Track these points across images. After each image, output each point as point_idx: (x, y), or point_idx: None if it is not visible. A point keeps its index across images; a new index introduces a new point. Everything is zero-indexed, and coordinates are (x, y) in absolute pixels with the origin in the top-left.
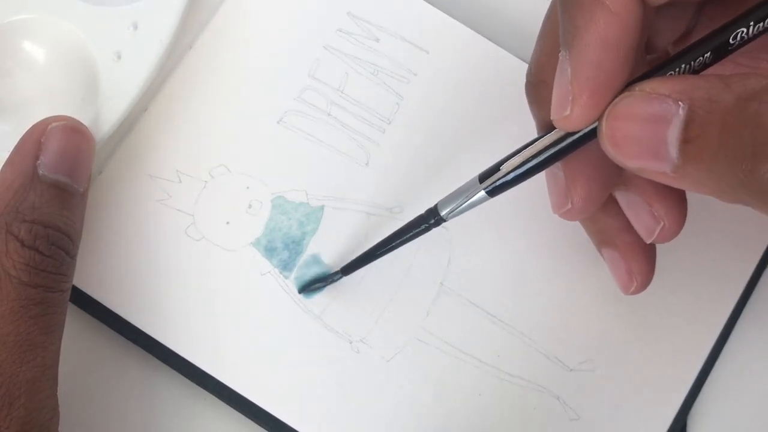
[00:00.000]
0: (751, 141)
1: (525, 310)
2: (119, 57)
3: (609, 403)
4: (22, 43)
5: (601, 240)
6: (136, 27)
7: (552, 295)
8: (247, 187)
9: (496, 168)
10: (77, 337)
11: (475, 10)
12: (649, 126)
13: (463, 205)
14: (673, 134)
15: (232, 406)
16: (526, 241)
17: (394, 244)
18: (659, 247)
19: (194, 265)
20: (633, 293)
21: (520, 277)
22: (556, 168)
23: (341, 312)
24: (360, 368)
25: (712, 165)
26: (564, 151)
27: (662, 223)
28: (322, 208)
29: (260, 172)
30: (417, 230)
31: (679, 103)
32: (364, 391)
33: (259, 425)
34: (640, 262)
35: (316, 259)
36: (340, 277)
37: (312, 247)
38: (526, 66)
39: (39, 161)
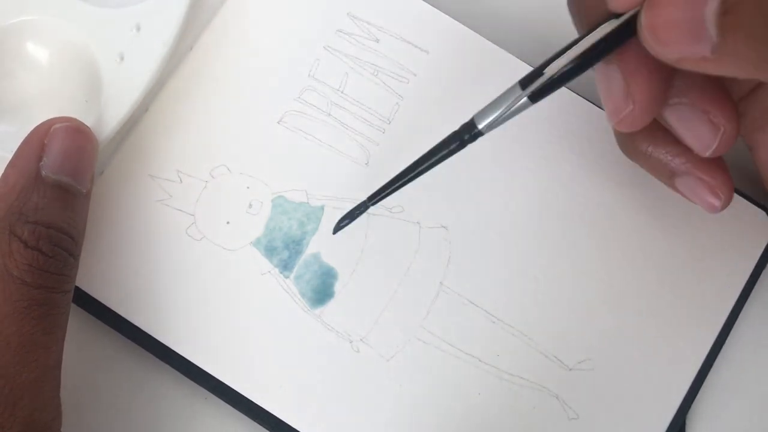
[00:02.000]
0: None
1: (524, 310)
2: (122, 58)
3: (608, 402)
4: (25, 44)
5: (670, 173)
6: (138, 28)
7: (551, 294)
8: (248, 187)
9: (538, 72)
10: (78, 337)
11: (475, 11)
12: (687, 6)
13: (505, 114)
14: (711, 10)
15: (232, 406)
16: (526, 241)
17: (425, 165)
18: (659, 247)
19: (195, 265)
20: (722, 209)
21: (519, 276)
22: (612, 70)
23: (341, 312)
24: (360, 368)
25: (750, 32)
26: (607, 48)
27: (722, 129)
28: (322, 208)
29: (260, 172)
30: (451, 147)
31: None
32: (364, 390)
33: (259, 425)
34: (720, 177)
35: (316, 259)
36: (368, 207)
37: (312, 247)
38: (526, 66)
39: (42, 162)
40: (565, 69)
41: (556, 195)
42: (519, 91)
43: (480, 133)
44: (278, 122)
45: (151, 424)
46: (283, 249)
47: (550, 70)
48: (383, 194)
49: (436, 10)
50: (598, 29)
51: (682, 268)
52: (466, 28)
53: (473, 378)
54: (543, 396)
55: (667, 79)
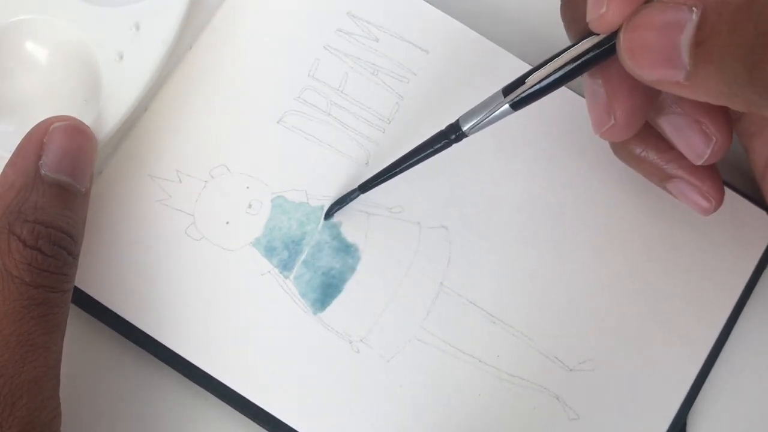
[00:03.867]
0: (755, 34)
1: (525, 310)
2: (121, 57)
3: (609, 403)
4: (25, 43)
5: (662, 176)
6: (138, 27)
7: (552, 295)
8: (247, 187)
9: (520, 81)
10: (77, 337)
11: (475, 10)
12: (663, 33)
13: (486, 120)
14: (686, 39)
15: (232, 406)
16: (527, 241)
17: (412, 160)
18: (660, 247)
19: (194, 265)
20: (712, 212)
21: (519, 276)
22: (597, 85)
23: (341, 312)
24: (360, 368)
25: (720, 64)
26: (588, 62)
27: (714, 139)
28: (321, 208)
29: (260, 172)
30: (437, 146)
31: (693, 8)
32: (364, 391)
33: (259, 425)
34: (711, 181)
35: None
36: (358, 195)
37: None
38: (526, 65)
39: (41, 161)
40: (546, 80)
41: (557, 195)
42: (501, 98)
43: (464, 135)
44: (278, 122)
45: (150, 425)
46: (283, 249)
47: (532, 80)
48: (373, 183)
49: (436, 9)
50: (579, 44)
51: (682, 269)
52: (467, 27)
53: (473, 379)
54: (543, 396)
55: (650, 95)
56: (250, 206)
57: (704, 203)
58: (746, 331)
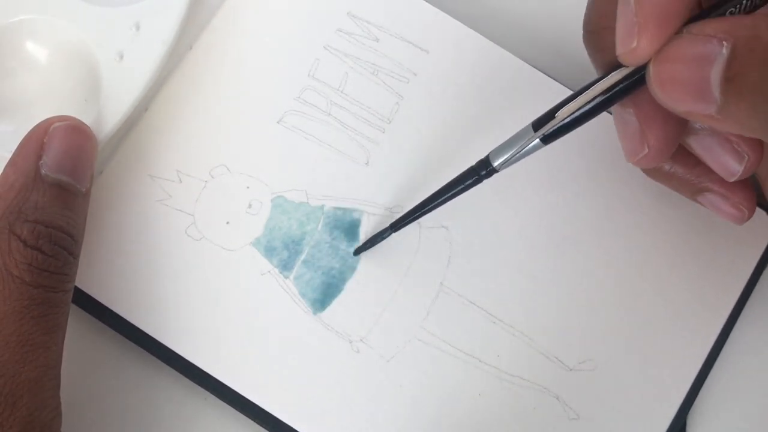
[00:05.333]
0: None
1: (525, 310)
2: (121, 57)
3: (609, 402)
4: (25, 43)
5: (693, 190)
6: (138, 27)
7: (552, 294)
8: (247, 187)
9: (550, 115)
10: (77, 337)
11: (475, 10)
12: (694, 67)
13: (518, 155)
14: (716, 73)
15: (232, 406)
16: (526, 241)
17: (443, 198)
18: (660, 247)
19: (194, 265)
20: (745, 221)
21: (519, 277)
22: (628, 114)
23: (341, 312)
24: (360, 368)
25: (753, 101)
26: (618, 93)
27: (746, 157)
28: (321, 207)
29: (260, 172)
30: (468, 183)
31: (723, 42)
32: (364, 391)
33: (259, 425)
34: (742, 193)
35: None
36: (390, 233)
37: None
38: (526, 65)
39: (41, 161)
40: (576, 114)
41: (557, 195)
42: (531, 132)
43: (495, 170)
44: (278, 122)
45: (150, 424)
46: (283, 249)
47: (562, 114)
48: (404, 222)
49: (436, 9)
50: (609, 76)
51: (682, 269)
52: (467, 27)
53: (473, 378)
54: (543, 396)
55: (683, 122)
56: (250, 206)
57: (737, 213)
58: (746, 331)
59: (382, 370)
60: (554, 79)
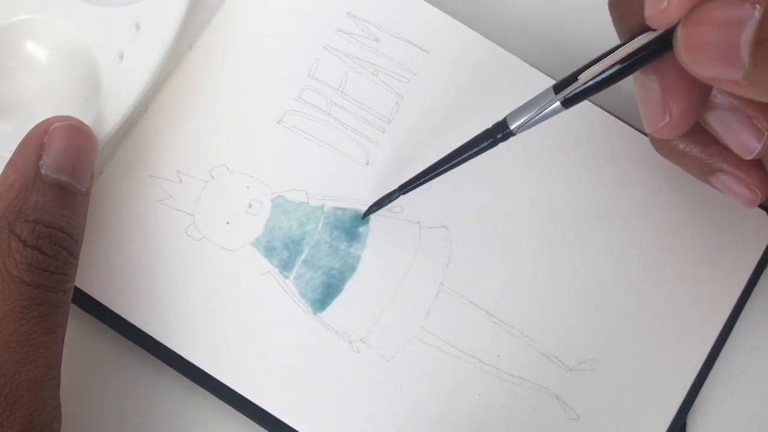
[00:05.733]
0: None
1: (525, 310)
2: (121, 57)
3: (609, 402)
4: (25, 43)
5: (706, 170)
6: (138, 27)
7: (552, 294)
8: (247, 187)
9: (573, 78)
10: (77, 337)
11: (475, 10)
12: (724, 30)
13: (537, 117)
14: (747, 37)
15: (232, 406)
16: (526, 241)
17: (456, 160)
18: (660, 247)
19: (194, 265)
20: (757, 204)
21: (519, 276)
22: (650, 81)
23: (341, 312)
24: (360, 368)
25: None
26: (642, 59)
27: (766, 133)
28: (321, 207)
29: (260, 172)
30: (483, 145)
31: (756, 6)
32: (364, 391)
33: (259, 425)
34: (756, 173)
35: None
36: (398, 195)
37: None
38: (526, 65)
39: (41, 161)
40: (600, 77)
41: (557, 195)
42: (552, 95)
43: (511, 133)
44: (278, 122)
45: (150, 425)
46: (283, 249)
47: (584, 77)
48: (414, 185)
49: (436, 9)
50: (634, 40)
51: (682, 269)
52: (467, 27)
53: (473, 379)
54: (543, 396)
55: (706, 91)
56: (250, 206)
57: (750, 195)
58: (746, 331)
59: (382, 370)
60: (554, 79)
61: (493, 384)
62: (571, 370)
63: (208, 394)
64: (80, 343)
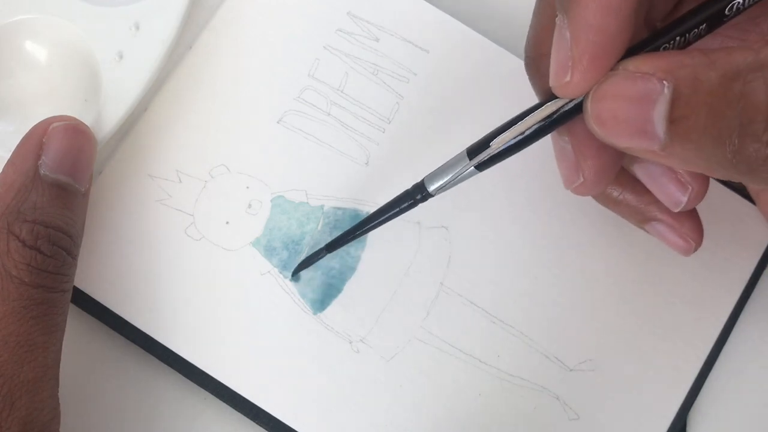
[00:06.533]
0: (737, 121)
1: (525, 310)
2: (121, 57)
3: (609, 402)
4: (24, 43)
5: (640, 218)
6: (137, 27)
7: (552, 295)
8: (247, 187)
9: (485, 143)
10: (77, 337)
11: (475, 10)
12: (634, 105)
13: (452, 181)
14: (660, 113)
15: (231, 406)
16: (526, 241)
17: (379, 220)
18: (660, 246)
19: (194, 265)
20: (693, 251)
21: (519, 277)
22: (564, 141)
23: (341, 312)
24: (360, 368)
25: (699, 144)
26: (553, 124)
27: (690, 188)
28: (321, 207)
29: (260, 172)
30: (403, 206)
31: (664, 82)
32: (364, 391)
33: (259, 425)
34: (689, 223)
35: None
36: (325, 254)
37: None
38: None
39: (40, 161)
40: (511, 143)
41: (557, 195)
42: (466, 160)
43: (430, 195)
44: (278, 122)
45: (149, 425)
46: (283, 249)
47: (496, 143)
48: (340, 243)
49: (436, 9)
50: (544, 106)
51: (683, 268)
52: (467, 27)
53: (473, 379)
54: (543, 396)
55: (619, 153)
56: (249, 206)
57: (684, 244)
58: (746, 331)
59: (382, 370)
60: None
61: (493, 384)
62: (571, 370)
63: (207, 394)
64: (80, 343)
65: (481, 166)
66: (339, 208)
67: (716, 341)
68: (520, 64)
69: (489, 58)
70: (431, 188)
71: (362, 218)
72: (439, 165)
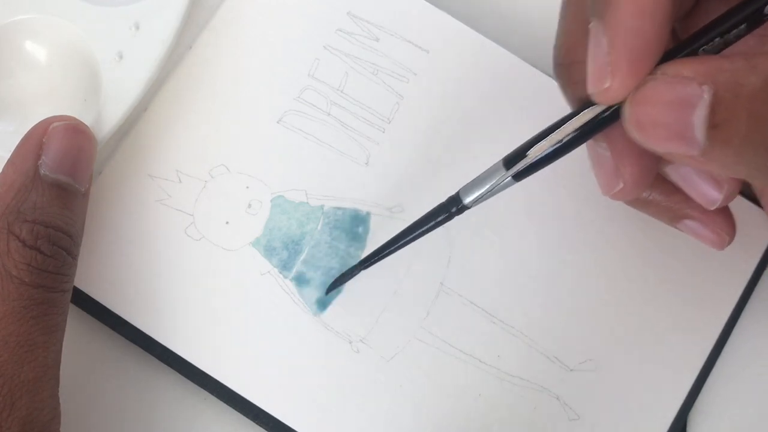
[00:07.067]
0: None
1: (525, 310)
2: (121, 57)
3: (609, 403)
4: (24, 43)
5: (672, 217)
6: (137, 27)
7: (552, 295)
8: (247, 187)
9: (521, 153)
10: (77, 338)
11: (475, 9)
12: (674, 110)
13: (489, 193)
14: (699, 118)
15: (231, 406)
16: (527, 241)
17: (414, 234)
18: (660, 246)
19: (194, 265)
20: (727, 245)
21: (520, 277)
22: (602, 149)
23: (341, 312)
24: (360, 368)
25: (740, 150)
26: (591, 131)
27: (725, 186)
28: (321, 207)
29: (260, 172)
30: (439, 219)
31: (704, 86)
32: (364, 391)
33: (259, 425)
34: (721, 218)
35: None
36: (360, 271)
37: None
38: (526, 65)
39: (40, 161)
40: (549, 151)
41: (557, 195)
42: (503, 170)
43: (466, 207)
44: (278, 122)
45: (149, 425)
46: (283, 249)
47: (534, 152)
48: (374, 259)
49: (436, 9)
50: (581, 114)
51: (683, 269)
52: (467, 27)
53: (474, 379)
54: (544, 397)
55: (658, 156)
56: (249, 206)
57: (717, 239)
58: (747, 331)
59: (382, 370)
60: (554, 79)
61: (493, 384)
62: (571, 370)
63: (207, 394)
64: (80, 343)
65: (518, 176)
66: (339, 208)
67: (717, 341)
68: (520, 64)
69: (489, 58)
70: (467, 200)
71: (362, 218)
72: (475, 176)
